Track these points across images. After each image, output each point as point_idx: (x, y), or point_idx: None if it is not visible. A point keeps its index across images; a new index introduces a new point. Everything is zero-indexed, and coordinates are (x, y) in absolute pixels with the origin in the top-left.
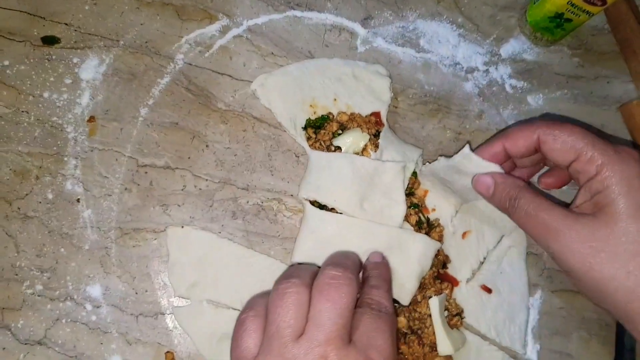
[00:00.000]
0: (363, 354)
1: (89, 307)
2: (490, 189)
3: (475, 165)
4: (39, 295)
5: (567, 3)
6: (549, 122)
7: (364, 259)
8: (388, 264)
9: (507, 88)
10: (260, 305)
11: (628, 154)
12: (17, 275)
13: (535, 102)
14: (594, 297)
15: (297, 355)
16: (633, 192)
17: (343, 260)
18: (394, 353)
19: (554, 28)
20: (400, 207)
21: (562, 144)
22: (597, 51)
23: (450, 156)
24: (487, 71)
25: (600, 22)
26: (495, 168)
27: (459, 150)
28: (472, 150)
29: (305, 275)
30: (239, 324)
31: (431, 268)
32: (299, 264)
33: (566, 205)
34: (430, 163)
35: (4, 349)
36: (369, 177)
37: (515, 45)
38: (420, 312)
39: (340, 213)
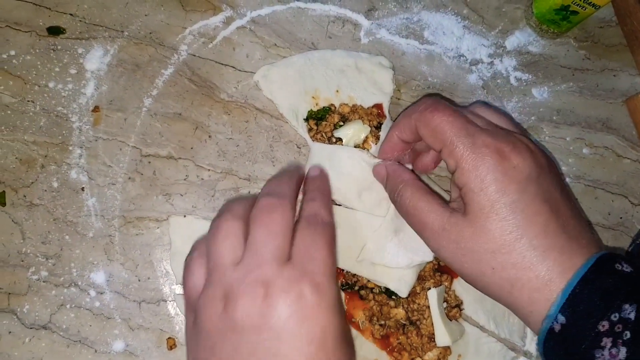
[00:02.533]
0: (300, 268)
1: (92, 293)
2: (383, 180)
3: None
4: (44, 281)
5: None
6: (428, 104)
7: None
8: (326, 176)
9: (512, 80)
10: (202, 245)
11: (486, 147)
12: (22, 261)
13: (540, 94)
14: (480, 291)
15: (236, 280)
16: (485, 188)
17: (276, 188)
18: (332, 263)
19: (560, 20)
20: None
21: (431, 132)
22: (604, 44)
23: None
24: (491, 63)
25: (608, 15)
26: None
27: None
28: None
29: (238, 208)
30: (185, 267)
31: (431, 260)
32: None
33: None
34: None
35: (10, 332)
36: (368, 169)
37: (521, 38)
38: (419, 304)
39: (339, 205)
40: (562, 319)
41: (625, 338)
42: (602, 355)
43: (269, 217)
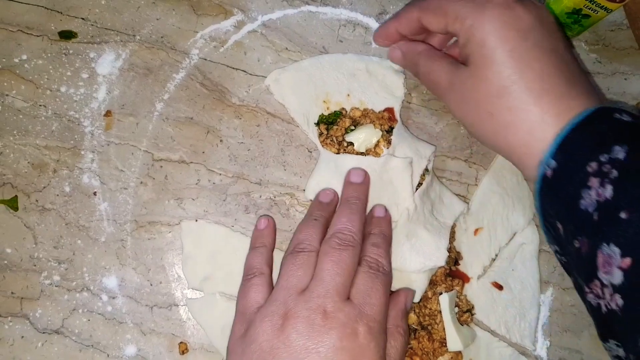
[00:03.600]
0: (358, 309)
1: (105, 297)
2: (400, 59)
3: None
4: (56, 286)
5: None
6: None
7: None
8: (389, 219)
9: None
10: (264, 265)
11: (495, 6)
12: (35, 266)
13: None
14: (485, 143)
15: (298, 304)
16: (486, 37)
17: (349, 227)
18: (384, 311)
19: (572, 24)
20: (407, 202)
21: (433, 13)
22: (615, 47)
23: None
24: None
25: (619, 18)
26: None
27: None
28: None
29: (314, 241)
30: (246, 280)
31: (443, 265)
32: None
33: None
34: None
35: (22, 337)
36: (377, 175)
37: None
38: (430, 309)
39: None
40: (553, 163)
41: (612, 177)
42: (590, 195)
43: (340, 255)
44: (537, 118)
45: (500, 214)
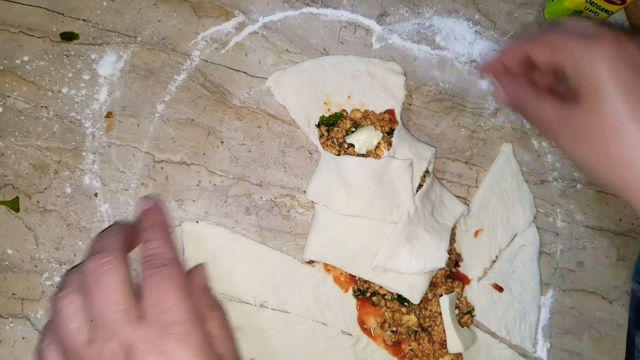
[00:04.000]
0: (157, 323)
1: None
2: (506, 102)
3: None
4: (57, 287)
5: (586, 1)
6: (529, 35)
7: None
8: (160, 206)
9: None
10: (51, 330)
11: (602, 36)
12: (36, 267)
13: None
14: (598, 181)
15: (95, 358)
16: (599, 71)
17: (97, 246)
18: (187, 305)
19: None
20: (407, 204)
21: (540, 49)
22: None
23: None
24: None
25: (620, 20)
26: None
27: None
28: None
29: (70, 280)
30: (37, 357)
31: (443, 267)
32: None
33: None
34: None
35: (23, 338)
36: (378, 177)
37: None
38: (430, 310)
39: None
40: None
41: None
42: None
43: (99, 283)
44: None
45: (500, 215)
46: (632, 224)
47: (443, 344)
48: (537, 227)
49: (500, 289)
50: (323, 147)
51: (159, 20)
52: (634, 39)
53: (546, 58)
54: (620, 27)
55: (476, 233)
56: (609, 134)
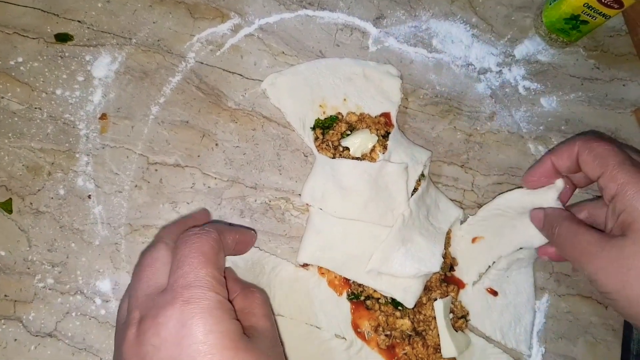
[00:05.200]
0: (171, 291)
1: (98, 301)
2: (541, 221)
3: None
4: (50, 289)
5: (584, 5)
6: (590, 136)
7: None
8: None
9: (521, 90)
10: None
11: None
12: (29, 269)
13: (549, 104)
14: (632, 317)
15: (122, 317)
16: None
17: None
18: (200, 273)
19: (570, 30)
20: (402, 208)
21: (593, 157)
22: (614, 53)
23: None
24: (500, 72)
25: (618, 24)
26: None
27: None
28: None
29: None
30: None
31: (438, 271)
32: None
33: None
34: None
35: (15, 340)
36: (373, 180)
37: (530, 46)
38: (425, 315)
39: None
40: None
41: None
42: None
43: (140, 261)
44: None
45: (508, 232)
46: None
47: (437, 349)
48: None
49: (494, 293)
50: (318, 150)
51: (154, 22)
52: None
53: (594, 173)
54: None
55: (474, 240)
56: None
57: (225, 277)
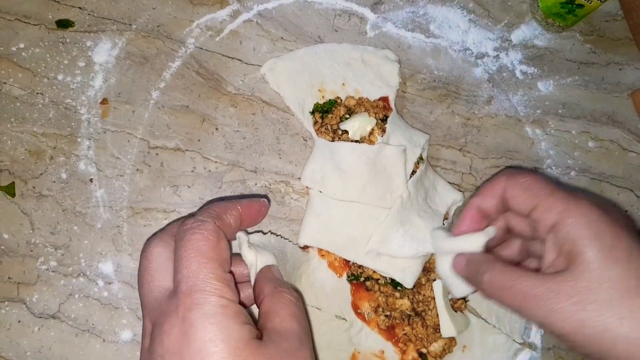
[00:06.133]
0: (175, 296)
1: (101, 283)
2: (463, 270)
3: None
4: (53, 271)
5: None
6: (514, 171)
7: (364, 243)
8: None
9: (518, 74)
10: None
11: (586, 200)
12: (32, 251)
13: (546, 88)
14: (595, 356)
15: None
16: (600, 235)
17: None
18: (205, 272)
19: (566, 14)
20: (401, 190)
21: (522, 190)
22: (610, 37)
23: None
24: (497, 57)
25: (614, 8)
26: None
27: (467, 133)
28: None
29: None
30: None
31: None
32: None
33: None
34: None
35: (19, 322)
36: (371, 162)
37: (526, 31)
38: (424, 295)
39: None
40: None
41: None
42: None
43: (140, 261)
44: None
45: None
46: (627, 211)
47: (436, 329)
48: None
49: None
50: (317, 134)
51: (153, 8)
52: (611, 204)
53: (526, 207)
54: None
55: None
56: (623, 300)
57: (233, 273)
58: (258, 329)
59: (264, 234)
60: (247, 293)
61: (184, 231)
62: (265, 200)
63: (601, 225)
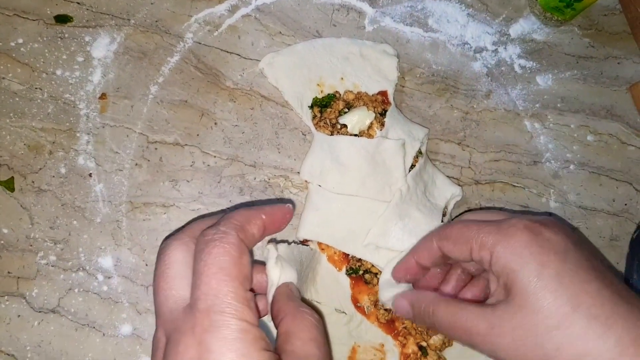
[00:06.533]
0: (193, 311)
1: (100, 277)
2: (409, 312)
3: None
4: (52, 266)
5: None
6: (444, 225)
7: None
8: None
9: (516, 68)
10: None
11: (515, 226)
12: (31, 246)
13: (545, 82)
14: None
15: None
16: (526, 264)
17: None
18: (224, 287)
19: (564, 8)
20: (400, 183)
21: (454, 242)
22: (608, 31)
23: None
24: (495, 51)
25: (612, 2)
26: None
27: (465, 127)
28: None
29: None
30: None
31: None
32: None
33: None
34: None
35: (19, 316)
36: (370, 156)
37: (525, 25)
38: None
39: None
40: None
41: None
42: None
43: (156, 264)
44: (614, 346)
45: None
46: (626, 204)
47: None
48: (530, 209)
49: None
50: (316, 128)
51: (152, 3)
52: (549, 225)
53: (463, 255)
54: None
55: None
56: (556, 330)
57: (254, 290)
58: (276, 351)
59: (289, 243)
60: (261, 303)
61: (205, 243)
62: (290, 205)
63: (529, 252)
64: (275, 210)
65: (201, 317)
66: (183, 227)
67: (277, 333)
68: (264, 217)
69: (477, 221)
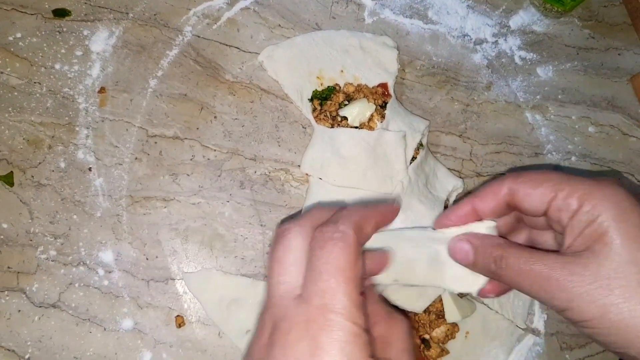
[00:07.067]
0: (306, 303)
1: (101, 272)
2: (469, 255)
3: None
4: (52, 260)
5: None
6: (516, 173)
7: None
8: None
9: (517, 59)
10: None
11: (609, 182)
12: (31, 240)
13: (545, 73)
14: (618, 345)
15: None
16: (626, 216)
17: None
18: (342, 288)
19: None
20: (401, 175)
21: (534, 185)
22: (608, 22)
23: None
24: (496, 43)
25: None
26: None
27: (466, 119)
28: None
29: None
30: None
31: None
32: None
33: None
34: None
35: (19, 311)
36: (371, 148)
37: (525, 17)
38: None
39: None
40: None
41: None
42: None
43: (273, 248)
44: None
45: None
46: None
47: (439, 315)
48: None
49: None
50: (316, 121)
51: None
52: (631, 185)
53: (542, 201)
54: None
55: None
56: (628, 289)
57: (365, 296)
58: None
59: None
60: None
61: (324, 240)
62: (398, 203)
63: (627, 207)
64: (387, 209)
65: (315, 313)
66: (304, 214)
67: (371, 336)
68: (377, 220)
69: (559, 171)
